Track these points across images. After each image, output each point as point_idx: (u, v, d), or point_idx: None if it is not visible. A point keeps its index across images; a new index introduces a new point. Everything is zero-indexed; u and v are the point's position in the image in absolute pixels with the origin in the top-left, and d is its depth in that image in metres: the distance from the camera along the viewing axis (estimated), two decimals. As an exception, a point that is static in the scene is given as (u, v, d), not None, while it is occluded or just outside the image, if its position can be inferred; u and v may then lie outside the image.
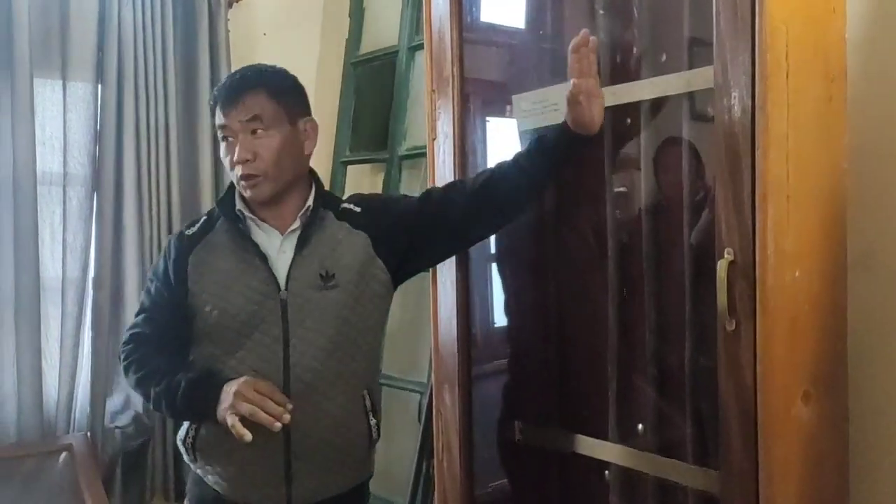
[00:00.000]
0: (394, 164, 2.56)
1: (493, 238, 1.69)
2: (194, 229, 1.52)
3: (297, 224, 1.47)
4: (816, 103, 1.17)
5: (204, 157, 2.49)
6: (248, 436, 1.31)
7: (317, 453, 1.43)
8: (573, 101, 1.34)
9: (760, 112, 1.09)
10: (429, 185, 1.66)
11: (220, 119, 1.45)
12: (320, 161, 2.81)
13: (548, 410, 1.58)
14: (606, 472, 1.46)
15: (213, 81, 2.48)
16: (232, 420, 1.32)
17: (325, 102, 2.75)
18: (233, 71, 1.49)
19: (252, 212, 1.48)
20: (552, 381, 1.58)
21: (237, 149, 1.42)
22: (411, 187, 2.54)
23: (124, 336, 1.55)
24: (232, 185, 1.50)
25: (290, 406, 1.35)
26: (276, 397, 1.35)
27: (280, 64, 1.54)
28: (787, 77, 1.11)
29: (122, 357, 1.52)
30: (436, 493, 1.68)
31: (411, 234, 1.49)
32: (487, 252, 1.75)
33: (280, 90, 1.47)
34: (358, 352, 1.46)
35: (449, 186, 1.54)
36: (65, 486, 2.16)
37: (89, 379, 2.35)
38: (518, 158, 1.45)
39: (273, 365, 1.41)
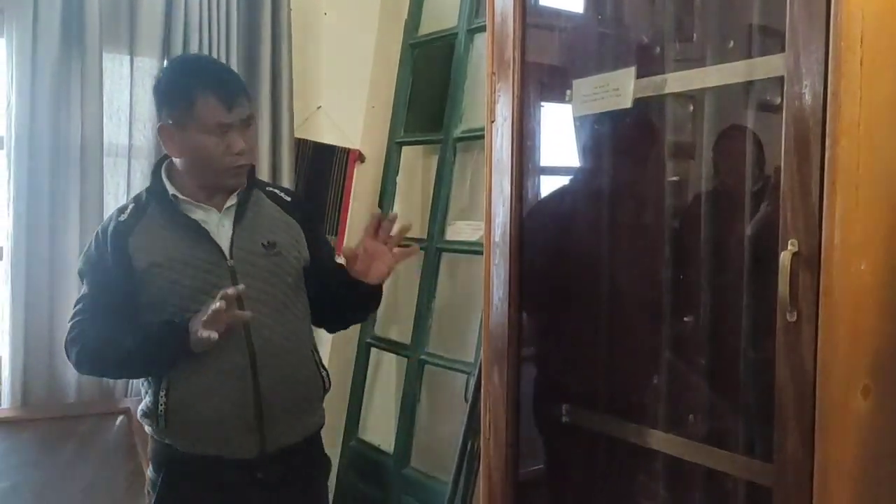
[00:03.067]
0: (448, 145, 2.57)
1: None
2: (125, 216, 1.59)
3: (233, 201, 1.60)
4: (890, 92, 1.14)
5: (263, 135, 2.54)
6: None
7: (283, 397, 1.58)
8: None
9: (833, 100, 1.07)
10: (485, 168, 1.66)
11: (222, 115, 1.52)
12: (375, 141, 2.85)
13: (596, 395, 1.58)
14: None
15: (274, 59, 2.53)
16: (208, 334, 1.44)
17: (382, 83, 2.77)
18: (211, 63, 1.71)
19: (186, 194, 1.58)
20: (602, 365, 1.58)
21: (241, 142, 1.55)
22: (464, 169, 2.55)
23: (69, 327, 1.59)
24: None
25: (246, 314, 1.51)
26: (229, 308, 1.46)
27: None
28: (860, 64, 1.08)
29: (68, 343, 1.57)
30: (481, 470, 1.70)
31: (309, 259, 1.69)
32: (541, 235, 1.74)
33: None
34: (303, 313, 1.66)
35: (338, 267, 1.68)
36: (121, 448, 2.24)
37: (147, 346, 2.42)
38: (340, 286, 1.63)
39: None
